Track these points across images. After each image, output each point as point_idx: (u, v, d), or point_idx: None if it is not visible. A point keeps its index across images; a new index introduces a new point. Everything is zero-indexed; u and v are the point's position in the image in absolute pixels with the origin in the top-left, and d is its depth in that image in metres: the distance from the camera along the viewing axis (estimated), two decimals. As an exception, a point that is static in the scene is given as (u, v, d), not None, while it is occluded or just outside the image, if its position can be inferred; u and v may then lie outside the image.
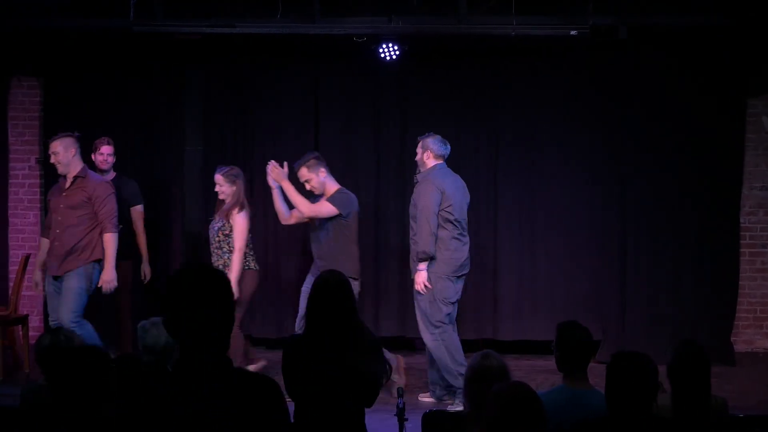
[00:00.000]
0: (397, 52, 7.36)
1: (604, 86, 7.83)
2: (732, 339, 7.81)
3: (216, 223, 6.71)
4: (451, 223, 6.21)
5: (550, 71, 7.90)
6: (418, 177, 6.44)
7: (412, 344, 8.04)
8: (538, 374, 7.06)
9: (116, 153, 7.22)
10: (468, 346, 7.90)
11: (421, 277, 6.17)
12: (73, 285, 6.25)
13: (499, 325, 7.89)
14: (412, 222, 6.36)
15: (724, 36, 7.32)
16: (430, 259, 6.16)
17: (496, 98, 7.95)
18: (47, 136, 7.46)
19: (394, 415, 3.84)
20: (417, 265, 6.20)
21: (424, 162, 6.37)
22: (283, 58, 7.99)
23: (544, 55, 7.80)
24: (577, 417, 3.35)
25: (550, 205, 7.88)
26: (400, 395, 3.87)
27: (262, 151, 8.05)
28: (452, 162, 7.96)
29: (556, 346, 3.89)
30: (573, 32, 6.78)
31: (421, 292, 6.20)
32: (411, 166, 7.85)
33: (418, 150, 6.42)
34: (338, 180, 7.48)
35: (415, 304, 6.35)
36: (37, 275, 6.64)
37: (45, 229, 6.69)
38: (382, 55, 7.39)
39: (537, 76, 7.91)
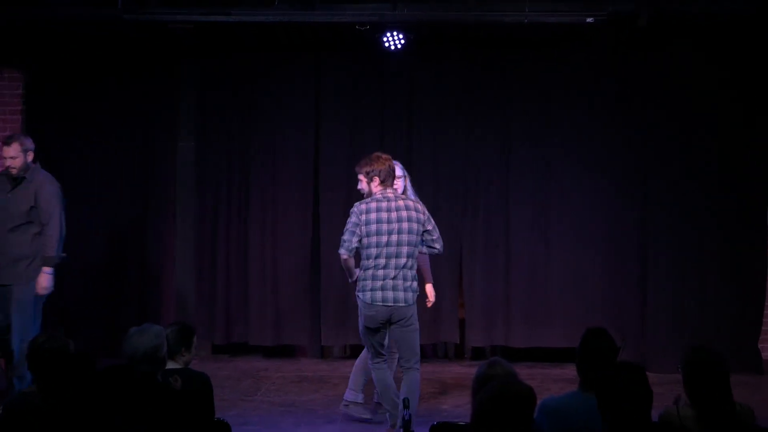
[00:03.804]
0: (403, 42, 7.33)
1: (623, 81, 7.80)
2: (759, 346, 7.81)
3: None
4: None
5: (565, 63, 7.87)
6: None
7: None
8: (553, 384, 7.07)
9: (105, 147, 7.20)
10: (477, 353, 8.00)
11: None
12: None
13: (511, 332, 7.87)
14: None
15: (756, 26, 7.21)
16: None
17: (508, 92, 7.93)
18: (30, 131, 7.49)
19: (400, 427, 3.86)
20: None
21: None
22: (281, 50, 7.99)
23: (559, 46, 7.77)
24: (589, 423, 3.37)
25: (565, 205, 7.86)
26: (406, 406, 3.88)
27: (259, 147, 8.09)
28: (461, 159, 8.02)
29: (579, 350, 3.90)
30: (590, 19, 6.73)
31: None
32: (419, 163, 7.89)
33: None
34: (340, 180, 7.55)
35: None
36: None
37: None
38: (387, 45, 7.36)
39: (551, 68, 7.88)
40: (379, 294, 5.58)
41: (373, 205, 5.65)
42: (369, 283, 5.60)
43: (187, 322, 5.35)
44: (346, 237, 5.63)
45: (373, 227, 5.60)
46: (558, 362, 7.70)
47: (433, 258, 7.74)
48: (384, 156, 5.78)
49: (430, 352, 8.13)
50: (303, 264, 8.04)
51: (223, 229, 8.12)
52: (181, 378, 4.13)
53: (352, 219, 5.65)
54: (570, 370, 3.94)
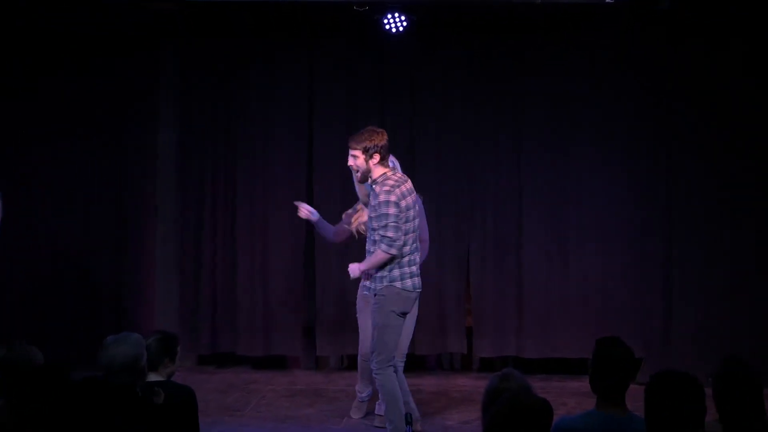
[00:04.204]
0: (405, 24, 7.34)
1: (644, 70, 7.76)
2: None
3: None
4: None
5: (581, 50, 7.84)
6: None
7: (422, 363, 8.05)
8: (569, 397, 7.04)
9: (73, 140, 7.15)
10: (487, 365, 7.95)
11: None
12: None
13: (524, 341, 7.83)
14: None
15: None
16: None
17: (519, 79, 7.89)
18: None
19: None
20: None
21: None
22: (272, 34, 7.96)
23: (575, 30, 7.73)
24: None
25: (582, 203, 7.84)
26: (409, 422, 3.86)
27: (248, 140, 8.08)
28: (469, 153, 8.00)
29: (592, 363, 3.87)
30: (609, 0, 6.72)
31: None
32: (421, 155, 7.91)
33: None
34: (337, 175, 7.48)
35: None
36: None
37: None
38: (387, 27, 7.37)
39: (566, 56, 7.84)
40: (417, 280, 5.83)
41: (404, 189, 5.73)
42: (407, 269, 5.74)
43: (170, 330, 5.32)
44: (394, 235, 5.63)
45: (411, 213, 5.75)
46: (575, 374, 7.66)
47: (438, 260, 7.76)
48: (381, 130, 5.81)
49: (434, 364, 8.14)
50: (296, 267, 8.02)
51: (209, 229, 8.09)
52: (164, 391, 4.11)
53: (393, 211, 5.63)
54: (588, 383, 3.92)
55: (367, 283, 5.85)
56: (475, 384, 7.43)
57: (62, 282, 7.95)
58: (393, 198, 5.63)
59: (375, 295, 5.77)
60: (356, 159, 5.76)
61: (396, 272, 5.71)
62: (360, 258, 6.00)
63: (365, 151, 5.71)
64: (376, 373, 5.75)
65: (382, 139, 5.74)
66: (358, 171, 5.78)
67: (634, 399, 3.74)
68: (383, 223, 5.63)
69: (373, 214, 5.74)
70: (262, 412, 6.81)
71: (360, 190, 6.25)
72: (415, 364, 7.96)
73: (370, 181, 5.81)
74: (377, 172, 5.74)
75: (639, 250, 7.80)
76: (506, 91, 7.92)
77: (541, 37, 7.85)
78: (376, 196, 5.70)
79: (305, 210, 6.41)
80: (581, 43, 7.84)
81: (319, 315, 7.98)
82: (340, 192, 7.60)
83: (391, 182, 5.69)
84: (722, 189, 7.72)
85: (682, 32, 7.64)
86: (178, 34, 7.98)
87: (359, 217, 6.43)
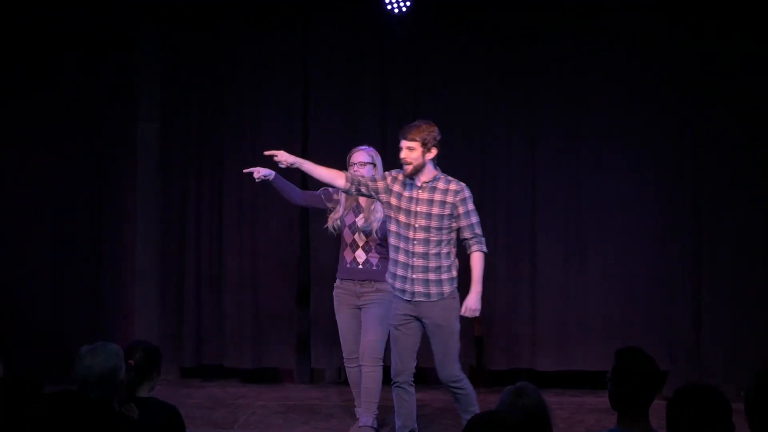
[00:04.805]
0: (408, 3, 7.34)
1: (674, 61, 7.76)
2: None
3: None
4: None
5: (602, 37, 7.85)
6: None
7: (427, 377, 8.06)
8: (588, 414, 7.07)
9: (45, 130, 7.16)
10: (499, 378, 7.96)
11: None
12: None
13: (539, 353, 7.87)
14: None
15: None
16: None
17: (534, 66, 7.91)
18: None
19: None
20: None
21: None
22: (262, 13, 7.99)
23: (598, 16, 7.76)
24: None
25: (602, 206, 7.87)
26: None
27: (236, 131, 8.11)
28: (479, 148, 8.02)
29: (611, 377, 3.88)
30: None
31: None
32: None
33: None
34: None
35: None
36: None
37: None
38: (389, 7, 7.41)
39: (587, 39, 7.87)
40: None
41: None
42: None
43: (150, 340, 5.35)
44: (481, 231, 5.93)
45: None
46: (593, 389, 7.65)
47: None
48: (434, 124, 5.97)
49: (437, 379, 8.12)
50: (290, 270, 8.06)
51: (193, 229, 8.13)
52: (147, 409, 4.14)
53: (473, 206, 5.94)
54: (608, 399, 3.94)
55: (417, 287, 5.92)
56: (485, 399, 7.30)
57: (32, 288, 7.98)
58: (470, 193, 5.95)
59: (441, 299, 5.91)
60: (413, 152, 5.86)
61: (455, 275, 5.97)
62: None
63: (424, 144, 5.85)
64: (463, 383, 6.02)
65: (438, 134, 5.90)
66: (410, 165, 5.88)
67: (660, 416, 3.75)
68: (474, 220, 5.90)
69: (437, 211, 5.87)
70: (252, 430, 6.81)
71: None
72: (419, 378, 7.90)
73: (419, 178, 5.92)
74: (429, 169, 5.90)
75: (664, 255, 7.83)
76: (519, 81, 7.94)
77: (558, 19, 7.86)
78: (455, 193, 5.89)
79: (260, 173, 6.45)
80: (602, 30, 7.86)
81: (314, 324, 8.01)
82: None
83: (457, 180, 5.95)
84: (752, 189, 7.75)
85: (716, 17, 7.65)
86: (159, 16, 8.00)
87: (336, 214, 6.54)
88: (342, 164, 6.54)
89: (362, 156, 6.41)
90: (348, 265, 6.47)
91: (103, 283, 8.13)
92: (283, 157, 6.15)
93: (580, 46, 7.89)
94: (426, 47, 7.99)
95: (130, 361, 4.20)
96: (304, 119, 8.08)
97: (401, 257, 5.92)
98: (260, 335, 8.04)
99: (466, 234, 5.90)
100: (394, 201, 5.95)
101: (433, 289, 5.88)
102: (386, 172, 6.10)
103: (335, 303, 6.58)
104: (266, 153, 6.26)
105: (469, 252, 5.95)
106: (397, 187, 5.95)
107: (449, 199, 5.88)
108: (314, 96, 8.10)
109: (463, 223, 5.89)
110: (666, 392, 6.92)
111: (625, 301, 7.82)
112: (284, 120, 8.07)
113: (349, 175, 6.09)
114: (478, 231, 5.90)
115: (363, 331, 6.39)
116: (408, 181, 5.93)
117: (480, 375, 8.08)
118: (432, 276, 5.87)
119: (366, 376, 6.35)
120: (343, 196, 6.49)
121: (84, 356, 4.07)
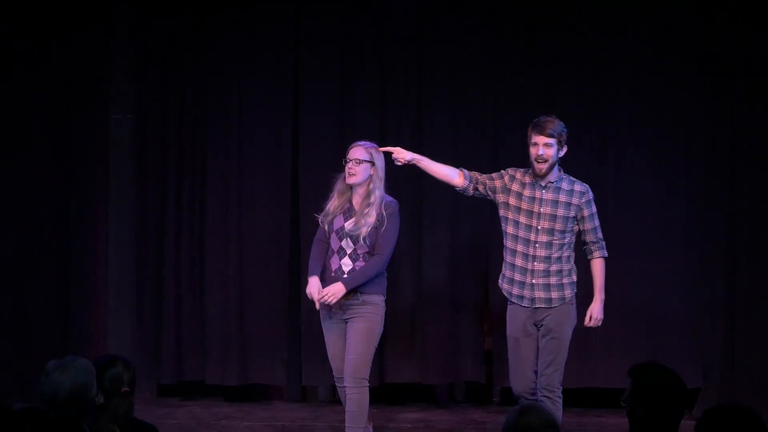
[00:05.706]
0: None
1: (708, 48, 7.83)
2: None
3: None
4: None
5: (630, 20, 7.90)
6: None
7: (430, 394, 8.17)
8: (610, 436, 7.08)
9: (17, 120, 7.14)
10: (507, 396, 7.84)
11: None
12: None
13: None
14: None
15: None
16: None
17: (550, 56, 7.96)
18: None
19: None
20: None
21: None
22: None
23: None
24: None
25: (626, 207, 7.90)
26: None
27: (220, 125, 8.16)
28: (489, 142, 8.05)
29: (629, 397, 3.93)
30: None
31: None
32: (429, 144, 7.89)
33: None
34: (328, 167, 7.58)
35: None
36: None
37: None
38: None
39: (612, 28, 7.92)
40: None
41: None
42: None
43: (123, 355, 5.40)
44: (602, 235, 6.40)
45: None
46: (618, 408, 7.66)
47: (452, 270, 7.91)
48: None
49: (445, 395, 8.23)
50: (278, 278, 8.09)
51: (172, 232, 8.18)
52: (125, 430, 4.18)
53: (596, 209, 6.37)
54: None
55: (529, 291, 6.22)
56: (495, 420, 7.47)
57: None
58: None
59: (562, 304, 6.20)
60: (550, 148, 6.14)
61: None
62: None
63: (560, 140, 6.14)
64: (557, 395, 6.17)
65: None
66: (546, 162, 6.12)
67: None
68: (597, 224, 6.29)
69: (562, 213, 6.18)
70: (238, 454, 6.85)
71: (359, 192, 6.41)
72: (422, 395, 8.07)
73: (545, 178, 6.15)
74: (556, 168, 6.20)
75: (696, 261, 7.88)
76: (535, 72, 8.00)
77: (577, 13, 7.95)
78: (581, 194, 6.22)
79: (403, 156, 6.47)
80: (629, 17, 7.93)
81: (305, 337, 8.01)
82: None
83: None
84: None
85: (748, 12, 7.75)
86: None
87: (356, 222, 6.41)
88: (335, 160, 6.57)
89: (359, 153, 6.34)
90: (333, 274, 6.40)
91: (72, 290, 8.15)
92: (401, 155, 6.34)
93: (604, 36, 7.95)
94: (429, 31, 8.04)
95: (125, 389, 4.23)
96: (295, 109, 8.12)
97: (519, 261, 6.19)
98: (246, 349, 8.07)
99: (590, 237, 6.22)
100: (513, 201, 6.19)
101: (555, 294, 6.17)
102: (503, 171, 6.31)
103: (321, 316, 6.53)
104: (382, 149, 6.39)
105: (590, 257, 6.24)
106: (516, 187, 6.19)
107: (575, 200, 6.16)
108: (306, 81, 8.14)
109: (587, 226, 6.20)
110: (697, 413, 7.04)
111: (651, 312, 7.84)
112: (272, 111, 8.14)
113: (467, 173, 6.30)
114: (600, 235, 6.22)
115: (346, 348, 6.34)
116: (530, 180, 6.17)
117: (490, 393, 8.17)
118: (553, 280, 6.16)
119: (348, 398, 6.30)
120: (335, 193, 6.48)
121: (51, 372, 4.05)
